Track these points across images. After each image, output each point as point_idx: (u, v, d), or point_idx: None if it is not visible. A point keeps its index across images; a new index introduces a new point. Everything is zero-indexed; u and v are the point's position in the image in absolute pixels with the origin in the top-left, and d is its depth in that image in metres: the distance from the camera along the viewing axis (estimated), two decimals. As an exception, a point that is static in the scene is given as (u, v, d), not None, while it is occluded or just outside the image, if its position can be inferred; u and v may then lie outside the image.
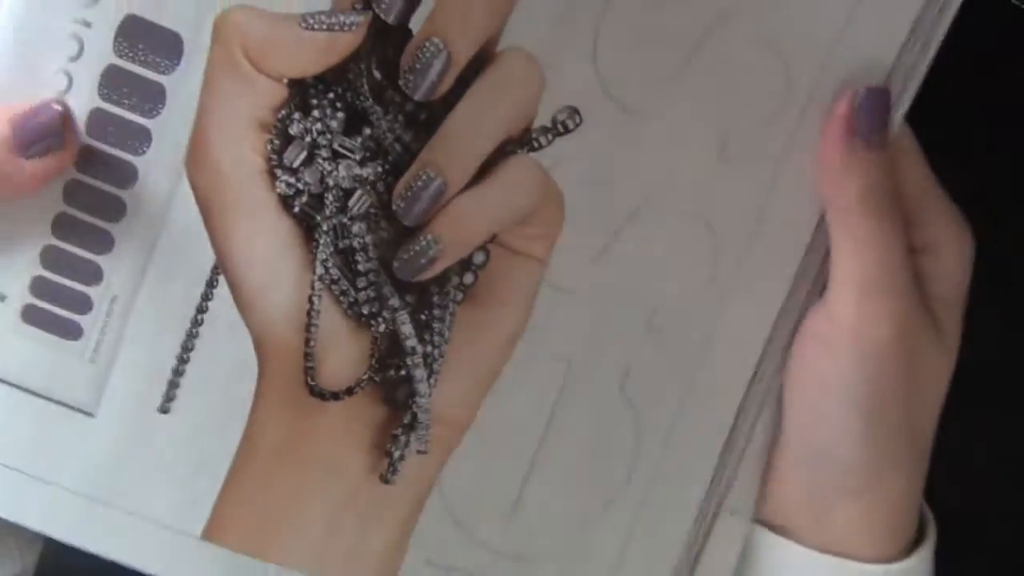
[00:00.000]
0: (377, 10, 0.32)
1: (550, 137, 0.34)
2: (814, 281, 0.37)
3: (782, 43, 0.35)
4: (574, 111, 0.34)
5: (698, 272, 0.36)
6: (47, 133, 0.32)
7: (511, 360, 0.35)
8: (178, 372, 0.34)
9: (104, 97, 0.32)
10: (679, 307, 0.36)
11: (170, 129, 0.32)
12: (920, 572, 0.39)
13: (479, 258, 0.35)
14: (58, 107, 0.33)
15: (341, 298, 0.34)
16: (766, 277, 0.37)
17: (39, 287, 0.33)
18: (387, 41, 0.33)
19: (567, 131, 0.34)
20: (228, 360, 0.34)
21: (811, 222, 0.37)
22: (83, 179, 0.33)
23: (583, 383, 0.36)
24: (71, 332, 0.33)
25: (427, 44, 0.32)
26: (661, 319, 0.36)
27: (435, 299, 0.34)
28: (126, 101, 0.32)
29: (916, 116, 0.43)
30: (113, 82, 0.32)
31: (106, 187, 0.33)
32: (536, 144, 0.34)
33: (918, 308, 0.37)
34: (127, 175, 0.33)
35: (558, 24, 0.34)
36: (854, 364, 0.36)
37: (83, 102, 0.32)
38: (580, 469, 0.37)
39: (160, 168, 0.33)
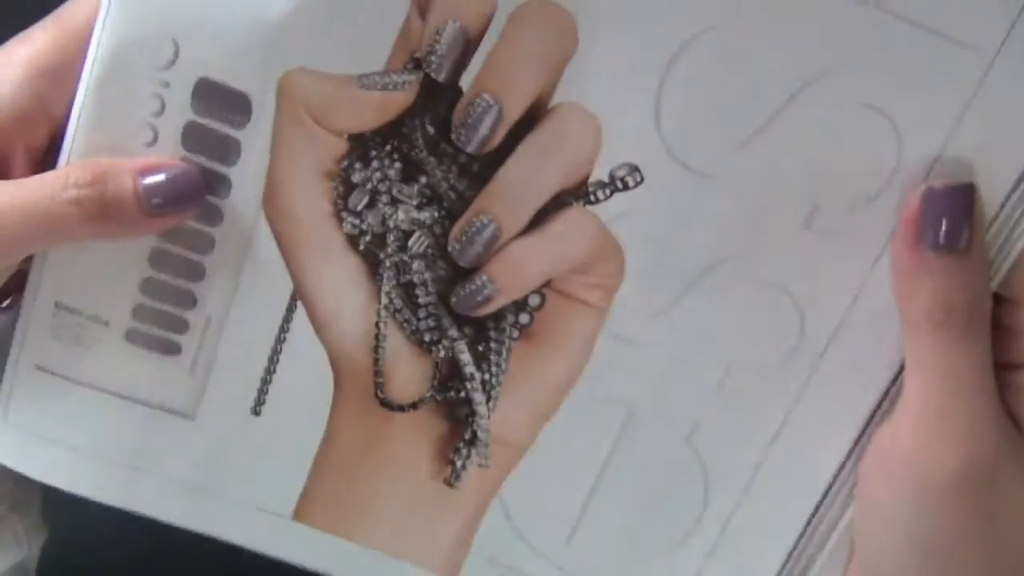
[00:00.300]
0: (427, 70, 0.34)
1: (607, 192, 0.35)
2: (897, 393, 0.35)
3: (893, 107, 0.32)
4: (634, 168, 0.34)
5: (778, 343, 0.36)
6: (185, 198, 0.35)
7: (571, 398, 0.37)
8: (266, 381, 0.38)
9: (188, 148, 0.35)
10: (757, 375, 0.36)
11: (248, 176, 0.35)
12: None
13: (534, 301, 0.37)
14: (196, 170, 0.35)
15: (404, 325, 0.37)
16: (859, 366, 0.35)
17: (140, 313, 0.37)
18: (439, 98, 0.34)
19: (627, 188, 0.34)
20: (309, 371, 0.37)
21: None
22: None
23: (645, 430, 0.37)
24: (171, 349, 0.38)
25: (478, 100, 0.34)
26: (736, 382, 0.36)
27: (492, 334, 0.37)
28: (207, 152, 0.35)
29: None
30: (194, 136, 0.35)
31: (198, 226, 0.36)
32: (593, 198, 0.35)
33: (998, 434, 0.33)
34: (215, 216, 0.36)
35: (618, 78, 0.33)
36: (912, 496, 0.34)
37: (169, 152, 0.35)
38: (641, 508, 0.38)
39: (242, 209, 0.36)
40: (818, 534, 0.37)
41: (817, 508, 0.37)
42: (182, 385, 0.38)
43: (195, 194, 0.35)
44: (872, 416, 0.36)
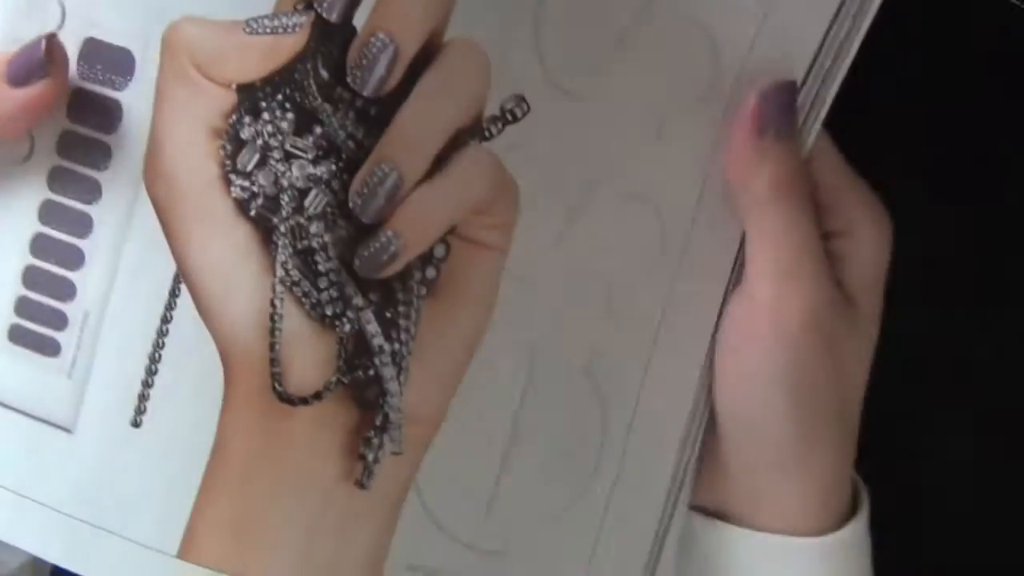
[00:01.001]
0: (319, 9, 0.33)
1: (500, 126, 0.34)
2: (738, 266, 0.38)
3: (707, 22, 0.36)
4: (521, 99, 0.34)
5: (647, 252, 0.36)
6: (36, 63, 0.33)
7: (478, 352, 0.35)
8: (147, 384, 0.34)
9: (72, 118, 0.33)
10: (633, 288, 0.36)
11: (128, 143, 0.33)
12: (855, 542, 0.40)
13: (440, 251, 0.34)
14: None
15: (303, 300, 0.33)
16: (711, 255, 0.38)
17: (22, 307, 0.34)
18: (332, 40, 0.33)
19: (515, 119, 0.34)
20: (196, 370, 0.34)
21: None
22: (54, 197, 0.34)
23: (549, 370, 0.36)
24: (51, 349, 0.34)
25: (373, 40, 0.32)
26: (618, 301, 0.36)
27: (399, 296, 0.34)
28: (89, 120, 0.33)
29: (920, 115, 0.46)
30: (78, 104, 0.33)
31: (75, 204, 0.33)
32: (488, 134, 0.34)
33: (833, 292, 0.38)
34: (92, 191, 0.33)
35: (501, 13, 0.34)
36: (774, 343, 0.37)
37: (52, 121, 0.33)
38: (552, 459, 0.36)
39: (121, 182, 0.33)
40: (694, 426, 0.38)
41: (692, 409, 0.38)
42: (61, 392, 0.34)
43: (42, 60, 0.33)
44: (723, 302, 0.38)
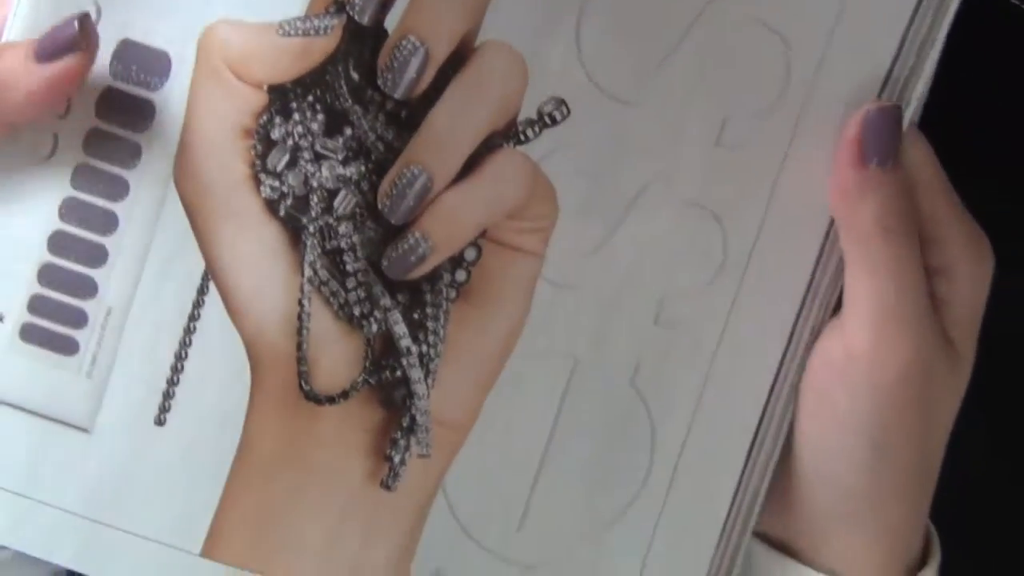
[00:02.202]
0: (351, 12, 0.33)
1: (537, 129, 0.34)
2: (829, 287, 0.36)
3: (778, 22, 0.35)
4: (561, 102, 0.34)
5: (705, 263, 0.35)
6: (67, 38, 0.33)
7: (512, 358, 0.35)
8: (172, 382, 0.34)
9: (101, 116, 0.33)
10: (689, 300, 0.35)
11: (159, 142, 0.33)
12: None
13: (470, 254, 0.34)
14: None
15: (331, 300, 0.34)
16: (780, 272, 0.36)
17: (36, 305, 0.34)
18: (363, 42, 0.34)
19: (555, 123, 0.34)
20: (223, 368, 0.34)
21: (823, 219, 0.35)
22: (78, 195, 0.33)
23: (590, 379, 0.35)
24: (68, 348, 0.34)
25: (403, 42, 0.33)
26: (670, 312, 0.35)
27: (427, 298, 0.34)
28: (120, 119, 0.33)
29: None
30: (109, 102, 0.33)
31: (99, 201, 0.33)
32: (522, 137, 0.34)
33: (934, 335, 0.36)
34: (119, 189, 0.33)
35: (539, 14, 0.34)
36: (867, 394, 0.35)
37: (81, 120, 0.33)
38: (593, 474, 0.36)
39: (150, 180, 0.33)
40: (763, 452, 0.36)
41: (759, 425, 0.36)
42: (79, 391, 0.34)
43: (75, 38, 0.32)
44: (796, 322, 0.36)
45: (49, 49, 0.32)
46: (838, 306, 0.36)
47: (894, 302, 0.35)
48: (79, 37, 0.32)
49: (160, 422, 0.34)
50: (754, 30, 0.35)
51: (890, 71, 0.35)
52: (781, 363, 0.36)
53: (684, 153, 0.35)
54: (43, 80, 0.32)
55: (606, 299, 0.35)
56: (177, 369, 0.34)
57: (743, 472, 0.36)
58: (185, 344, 0.34)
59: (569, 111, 0.34)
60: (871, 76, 0.35)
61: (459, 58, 0.34)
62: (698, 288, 0.35)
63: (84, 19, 0.33)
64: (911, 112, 0.35)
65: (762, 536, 0.38)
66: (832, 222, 0.35)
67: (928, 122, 0.39)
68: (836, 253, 0.36)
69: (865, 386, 0.35)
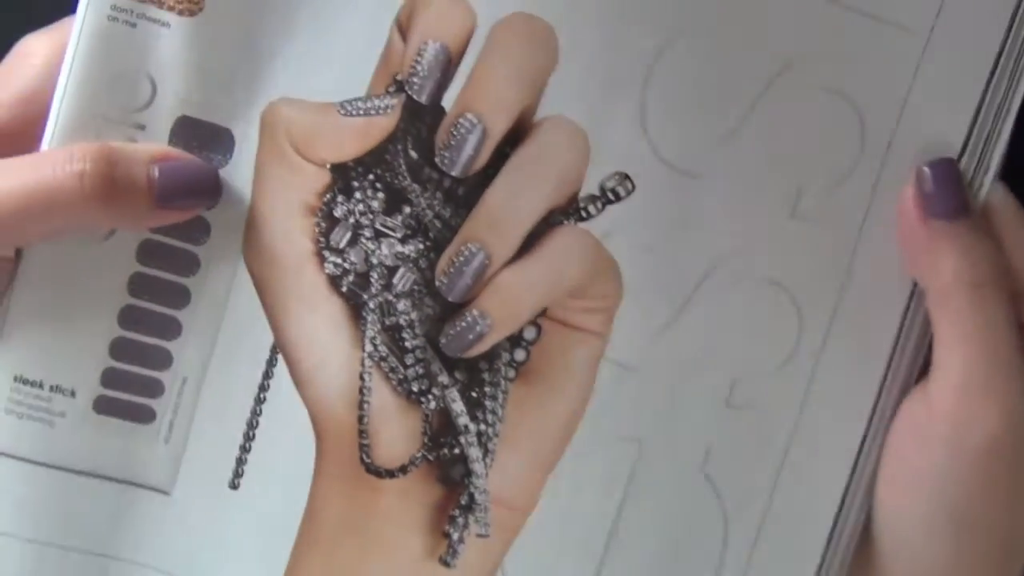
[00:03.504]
0: (409, 91, 0.33)
1: (599, 205, 0.34)
2: (912, 362, 0.35)
3: (851, 90, 0.34)
4: (624, 177, 0.33)
5: (780, 343, 0.35)
6: (199, 192, 0.34)
7: (575, 441, 0.34)
8: (245, 448, 0.35)
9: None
10: (762, 382, 0.35)
11: (227, 219, 0.34)
12: None
13: (530, 333, 0.34)
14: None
15: (391, 375, 0.34)
16: (860, 350, 0.35)
17: (109, 378, 0.35)
18: (421, 120, 0.34)
19: (618, 198, 0.34)
20: (291, 436, 0.35)
21: (904, 290, 0.35)
22: (147, 271, 0.34)
23: (657, 465, 0.35)
24: (144, 416, 0.35)
25: (461, 120, 0.33)
26: (742, 395, 0.35)
27: (486, 376, 0.34)
28: (185, 195, 0.34)
29: None
30: (172, 179, 0.34)
31: (171, 277, 0.34)
32: (584, 214, 0.33)
33: None
34: (190, 264, 0.34)
35: (600, 87, 0.33)
36: (948, 460, 0.34)
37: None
38: (660, 562, 0.35)
39: (220, 256, 0.34)
40: (843, 542, 0.35)
41: (837, 516, 0.35)
42: (157, 456, 0.35)
43: (210, 189, 0.33)
44: (877, 400, 0.35)
45: (171, 198, 0.33)
46: (924, 369, 0.35)
47: (982, 367, 0.33)
48: (211, 191, 0.33)
49: (234, 486, 0.35)
50: (825, 99, 0.34)
51: (968, 136, 0.34)
52: (861, 446, 0.35)
53: (755, 227, 0.34)
54: (154, 220, 0.34)
55: (674, 382, 0.35)
56: (249, 436, 0.35)
57: (821, 564, 0.35)
58: (256, 412, 0.35)
59: (634, 186, 0.33)
60: (948, 142, 0.34)
61: (518, 134, 0.33)
62: (772, 370, 0.35)
63: (214, 176, 0.34)
64: (992, 174, 0.35)
65: None
66: (912, 295, 0.34)
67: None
68: (916, 327, 0.35)
69: (946, 451, 0.34)
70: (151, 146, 0.33)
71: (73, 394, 0.35)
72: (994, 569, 0.35)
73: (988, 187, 0.35)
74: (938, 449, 0.34)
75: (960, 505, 0.34)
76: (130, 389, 0.35)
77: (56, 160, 0.32)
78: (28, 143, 0.34)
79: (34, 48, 0.35)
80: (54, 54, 0.34)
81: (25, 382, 0.35)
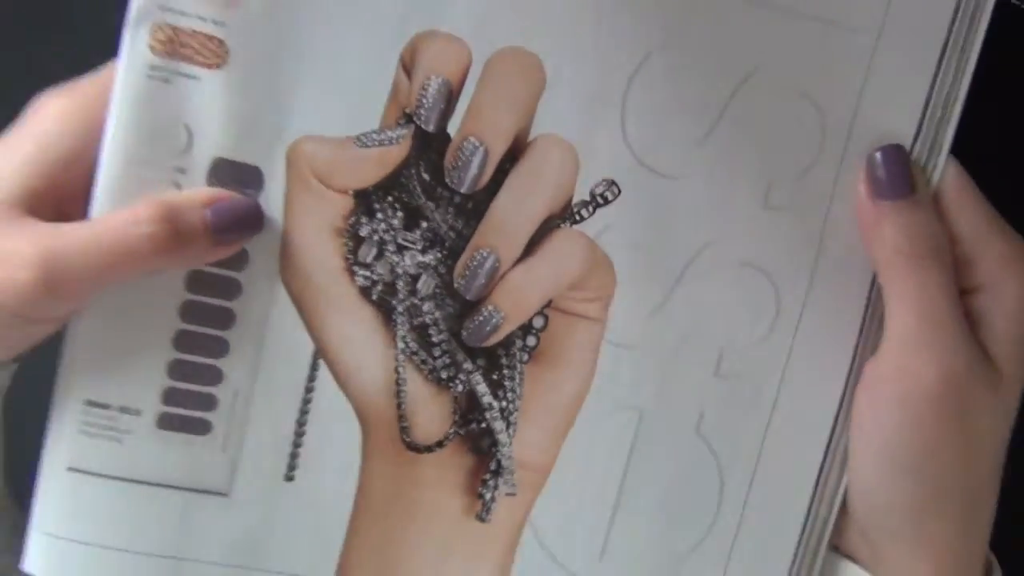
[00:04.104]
0: (418, 122, 0.38)
1: (591, 209, 0.39)
2: (880, 331, 0.40)
3: (811, 90, 0.39)
4: (611, 183, 0.39)
5: (760, 318, 0.40)
6: (248, 225, 0.38)
7: (583, 410, 0.40)
8: (297, 444, 0.40)
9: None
10: (747, 353, 0.40)
11: (262, 245, 0.38)
12: None
13: (538, 322, 0.40)
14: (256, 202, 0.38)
15: (422, 367, 0.39)
16: (833, 320, 0.40)
17: (169, 396, 0.39)
18: (430, 147, 0.39)
19: (607, 202, 0.39)
20: (338, 428, 0.40)
21: (868, 269, 0.40)
22: (195, 298, 0.39)
23: (656, 429, 0.41)
24: (202, 428, 0.39)
25: (465, 144, 0.38)
26: (729, 365, 0.40)
27: (503, 361, 0.40)
28: (224, 228, 0.39)
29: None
30: (212, 215, 0.39)
31: (216, 301, 0.39)
32: (578, 217, 0.39)
33: (968, 356, 0.38)
34: (233, 289, 0.39)
35: (585, 106, 0.39)
36: (889, 412, 0.38)
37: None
38: (666, 509, 0.41)
39: (259, 279, 0.39)
40: (829, 486, 0.41)
41: (822, 465, 0.40)
42: (215, 462, 0.40)
43: (256, 220, 0.38)
44: (852, 362, 0.40)
45: (224, 236, 0.37)
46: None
47: (917, 327, 0.38)
48: (257, 222, 0.38)
49: (290, 478, 0.40)
50: (788, 100, 0.39)
51: (920, 124, 0.39)
52: (840, 403, 0.40)
53: (732, 218, 0.40)
54: (215, 255, 0.38)
55: (666, 357, 0.40)
56: (299, 433, 0.40)
57: (810, 506, 0.41)
58: (303, 412, 0.40)
59: (620, 190, 0.39)
60: (902, 131, 0.39)
61: (515, 152, 0.39)
62: (755, 341, 0.40)
63: (258, 209, 0.38)
64: (944, 155, 0.39)
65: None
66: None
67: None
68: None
69: (891, 405, 0.38)
70: (201, 192, 0.37)
71: (138, 413, 0.39)
72: (955, 520, 0.39)
73: (942, 167, 0.39)
74: (884, 404, 0.39)
75: (909, 455, 0.38)
76: (188, 405, 0.39)
77: (125, 223, 0.36)
78: (73, 204, 0.38)
79: (56, 109, 0.38)
80: (80, 114, 0.38)
81: (95, 404, 0.39)
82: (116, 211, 0.37)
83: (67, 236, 0.36)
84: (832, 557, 0.42)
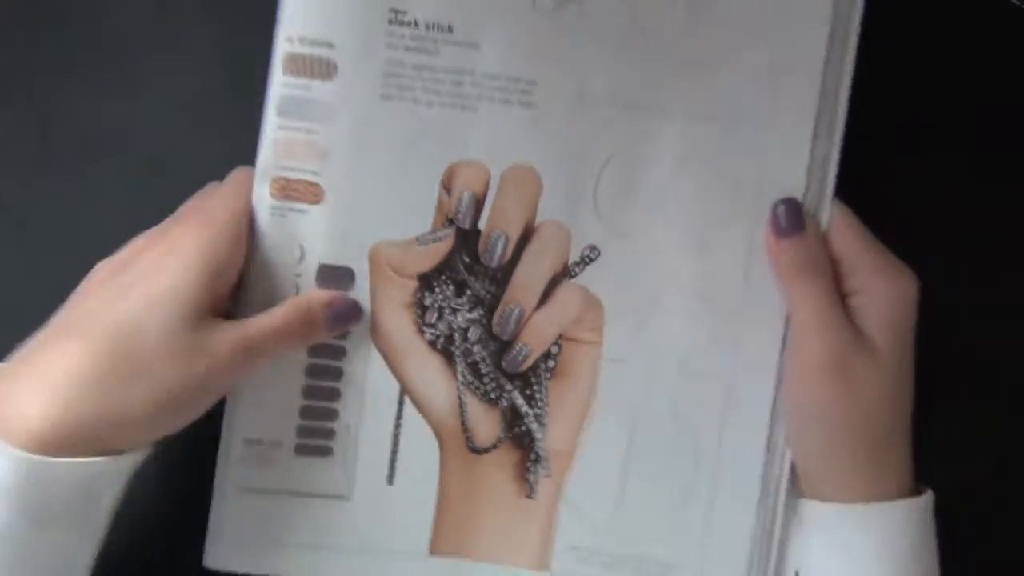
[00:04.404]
0: (457, 223, 0.55)
1: (582, 267, 0.55)
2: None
3: (729, 168, 0.53)
4: (593, 247, 0.55)
5: (709, 332, 0.54)
6: (353, 317, 0.54)
7: (592, 411, 0.56)
8: (394, 457, 0.56)
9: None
10: (703, 355, 0.55)
11: (359, 324, 0.55)
12: (898, 514, 0.51)
13: (554, 350, 0.56)
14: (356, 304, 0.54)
15: (476, 391, 0.56)
16: (764, 325, 0.54)
17: (302, 432, 0.55)
18: (468, 238, 0.55)
19: (592, 261, 0.55)
20: (421, 443, 0.55)
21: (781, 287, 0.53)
22: (315, 361, 0.55)
23: (645, 418, 0.55)
24: (327, 453, 0.55)
25: (492, 234, 0.54)
26: (692, 366, 0.55)
27: (532, 380, 0.56)
28: (331, 312, 0.55)
29: (917, 125, 0.56)
30: (322, 304, 0.55)
31: (330, 362, 0.55)
32: (573, 273, 0.55)
33: (847, 337, 0.50)
34: (340, 353, 0.55)
35: (569, 198, 0.54)
36: (800, 385, 0.52)
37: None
38: (660, 473, 0.55)
39: (358, 343, 0.55)
40: (776, 445, 0.55)
41: (770, 427, 0.55)
42: (337, 476, 0.56)
43: (357, 313, 0.54)
44: (781, 353, 0.54)
45: (337, 323, 0.54)
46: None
47: (807, 320, 0.52)
48: (358, 314, 0.54)
49: (391, 482, 0.56)
50: (716, 174, 0.53)
51: (808, 181, 0.53)
52: (776, 383, 0.54)
53: (678, 261, 0.54)
54: (328, 336, 0.54)
55: (647, 365, 0.55)
56: (395, 449, 0.56)
57: (765, 460, 0.54)
58: (396, 433, 0.56)
59: (599, 252, 0.55)
60: (795, 188, 0.53)
61: (527, 234, 0.55)
62: (709, 348, 0.55)
63: (357, 306, 0.54)
64: (828, 199, 0.52)
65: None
66: None
67: (925, 119, 0.54)
68: None
69: (797, 377, 0.53)
70: (322, 295, 0.54)
71: (282, 445, 0.55)
72: (868, 462, 0.51)
73: (828, 208, 0.52)
74: (795, 376, 0.53)
75: (813, 411, 0.52)
76: (315, 437, 0.55)
77: (275, 320, 0.52)
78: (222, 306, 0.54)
79: (193, 242, 0.53)
80: (214, 244, 0.53)
81: (251, 442, 0.55)
82: (269, 310, 0.53)
83: (253, 325, 0.52)
84: (791, 494, 0.55)
